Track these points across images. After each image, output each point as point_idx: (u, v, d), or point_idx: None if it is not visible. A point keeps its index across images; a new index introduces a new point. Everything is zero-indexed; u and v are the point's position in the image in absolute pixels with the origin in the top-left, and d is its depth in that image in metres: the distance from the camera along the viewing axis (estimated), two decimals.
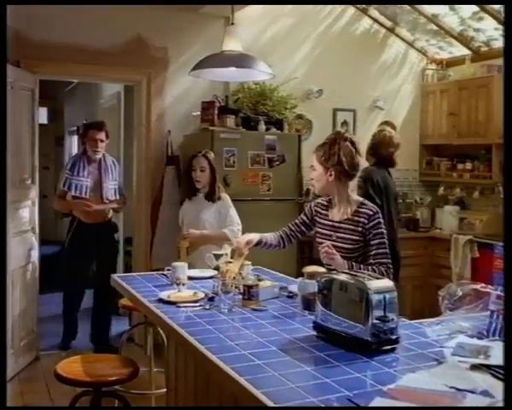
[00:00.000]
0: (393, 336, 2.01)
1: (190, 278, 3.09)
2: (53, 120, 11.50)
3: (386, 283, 2.07)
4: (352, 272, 2.18)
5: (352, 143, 2.89)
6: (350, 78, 5.96)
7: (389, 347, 2.00)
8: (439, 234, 5.97)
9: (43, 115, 11.53)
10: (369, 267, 2.74)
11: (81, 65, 5.02)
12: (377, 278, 2.10)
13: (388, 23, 6.14)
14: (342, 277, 2.11)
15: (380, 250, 2.80)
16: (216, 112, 5.06)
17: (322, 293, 2.15)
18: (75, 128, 9.31)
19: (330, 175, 2.86)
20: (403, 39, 6.25)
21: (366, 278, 2.05)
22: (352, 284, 2.04)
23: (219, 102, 5.19)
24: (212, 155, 4.29)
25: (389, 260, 2.81)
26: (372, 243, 2.81)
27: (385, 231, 2.86)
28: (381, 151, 4.46)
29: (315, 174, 2.95)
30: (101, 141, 4.97)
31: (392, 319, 2.01)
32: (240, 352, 1.96)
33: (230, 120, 5.01)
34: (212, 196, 4.19)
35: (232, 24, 3.18)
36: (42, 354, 4.93)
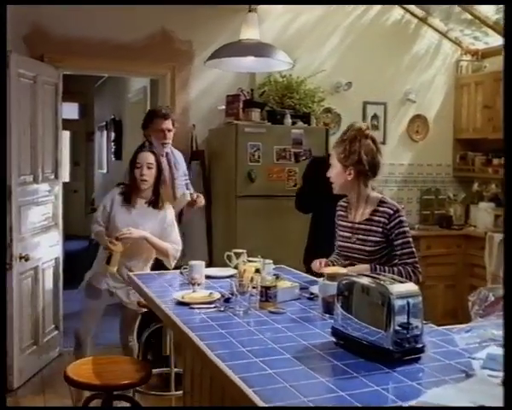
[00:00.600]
0: (418, 345, 1.86)
1: (208, 277, 2.99)
2: (84, 115, 11.56)
3: (410, 287, 1.91)
4: (374, 275, 2.03)
5: (374, 141, 2.74)
6: (380, 70, 5.77)
7: (413, 356, 1.84)
8: (474, 232, 5.74)
9: (74, 111, 11.61)
10: (395, 269, 2.60)
11: (105, 59, 4.96)
12: (401, 282, 1.95)
13: (421, 13, 5.91)
14: (363, 280, 1.96)
15: (405, 250, 2.65)
16: (241, 106, 4.94)
17: (341, 297, 2.01)
18: (104, 123, 9.31)
19: (349, 174, 2.70)
20: (436, 29, 6.02)
21: (388, 282, 1.90)
22: (374, 288, 1.89)
23: (244, 95, 5.07)
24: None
25: (415, 260, 2.66)
26: (396, 243, 2.65)
27: (408, 229, 2.70)
28: None
29: (333, 172, 2.78)
30: (169, 130, 4.23)
31: (417, 326, 1.86)
32: (251, 359, 1.84)
33: (256, 114, 4.89)
34: (157, 203, 3.58)
35: (250, 11, 3.04)
36: (65, 350, 4.89)
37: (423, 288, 5.66)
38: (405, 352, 1.83)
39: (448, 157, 6.23)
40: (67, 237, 6.63)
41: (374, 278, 1.97)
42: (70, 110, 11.48)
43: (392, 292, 1.82)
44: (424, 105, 6.06)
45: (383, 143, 5.87)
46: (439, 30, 6.03)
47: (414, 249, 2.68)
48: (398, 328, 1.82)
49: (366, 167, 2.68)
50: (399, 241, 2.65)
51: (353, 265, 2.75)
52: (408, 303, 1.83)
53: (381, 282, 1.89)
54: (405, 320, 1.83)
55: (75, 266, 6.08)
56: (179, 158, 4.42)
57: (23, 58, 4.25)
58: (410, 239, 2.68)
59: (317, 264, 2.88)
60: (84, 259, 7.51)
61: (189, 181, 4.52)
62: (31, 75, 4.32)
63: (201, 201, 4.34)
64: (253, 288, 2.56)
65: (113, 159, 8.45)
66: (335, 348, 1.97)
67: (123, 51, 4.97)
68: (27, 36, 4.72)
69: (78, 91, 10.57)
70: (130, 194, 3.56)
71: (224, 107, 5.08)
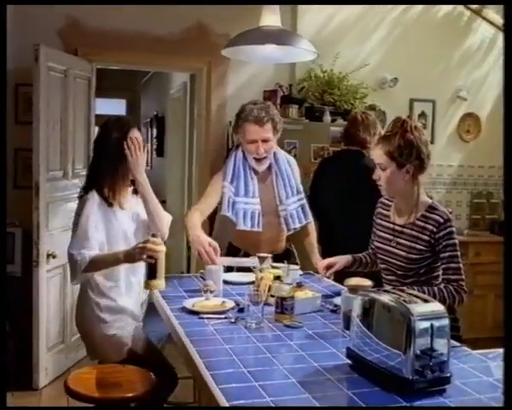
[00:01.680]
0: (443, 374, 1.61)
1: (227, 283, 2.79)
2: (131, 111, 11.57)
3: (436, 307, 1.66)
4: (397, 291, 1.77)
5: (420, 130, 2.44)
6: (429, 65, 5.43)
7: (436, 388, 1.60)
8: None
9: (122, 107, 11.66)
10: (435, 288, 2.31)
11: (140, 53, 4.84)
12: (425, 301, 1.70)
13: (474, 5, 5.54)
14: (384, 297, 1.72)
15: (451, 265, 2.34)
16: (278, 101, 4.74)
17: (359, 314, 1.77)
18: (148, 120, 9.26)
19: (407, 172, 2.36)
20: (491, 22, 5.63)
21: (410, 300, 1.65)
22: (394, 307, 1.65)
23: (283, 91, 4.86)
24: None
25: (461, 277, 2.34)
26: (442, 255, 2.35)
27: (457, 242, 2.40)
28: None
29: (385, 174, 2.38)
30: (265, 141, 2.99)
31: (442, 353, 1.61)
32: (250, 383, 1.63)
33: (293, 110, 4.68)
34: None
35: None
36: None
37: (472, 297, 5.29)
38: (427, 382, 1.58)
39: (502, 159, 5.83)
40: None
41: (396, 294, 1.72)
42: (118, 107, 11.54)
43: (413, 313, 1.58)
44: (476, 103, 5.69)
45: (431, 142, 5.55)
46: (494, 23, 5.63)
47: (461, 265, 2.37)
48: (419, 354, 1.57)
49: (426, 161, 2.38)
50: (446, 254, 2.34)
51: (389, 270, 2.50)
52: (432, 326, 1.59)
53: (402, 300, 1.65)
54: (428, 345, 1.58)
55: None
56: (286, 169, 3.14)
57: (53, 51, 4.16)
58: (459, 253, 2.37)
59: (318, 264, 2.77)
60: None
61: (303, 202, 3.22)
62: (61, 69, 4.22)
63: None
64: (272, 297, 2.36)
65: (155, 155, 8.38)
66: (349, 373, 1.74)
67: (158, 45, 4.84)
68: (62, 29, 4.65)
69: (125, 88, 10.59)
70: (115, 191, 2.56)
71: None
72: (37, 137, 3.94)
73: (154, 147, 8.39)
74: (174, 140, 7.09)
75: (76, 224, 2.54)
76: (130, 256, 2.41)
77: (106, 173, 2.56)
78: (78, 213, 2.55)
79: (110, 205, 2.54)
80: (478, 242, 5.35)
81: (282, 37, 2.71)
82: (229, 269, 2.93)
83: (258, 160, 3.03)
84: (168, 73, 7.43)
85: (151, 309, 4.74)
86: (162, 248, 2.37)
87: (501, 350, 1.90)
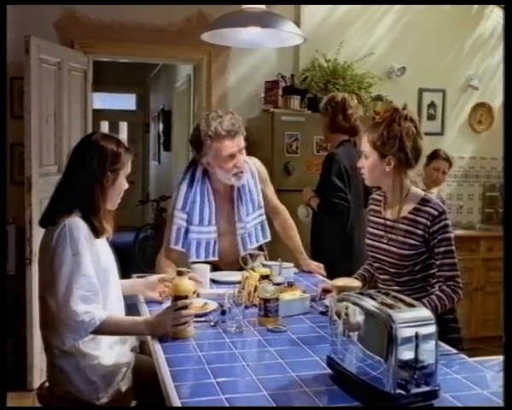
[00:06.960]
0: (429, 388, 1.45)
1: (214, 282, 2.65)
2: (140, 106, 11.47)
3: (421, 312, 1.49)
4: (381, 295, 1.60)
5: (414, 122, 2.29)
6: (439, 53, 5.24)
7: (422, 404, 1.44)
8: None
9: (131, 102, 11.59)
10: (435, 297, 2.15)
11: (139, 44, 4.72)
12: (411, 305, 1.54)
13: (475, 4, 5.32)
14: (365, 301, 1.55)
15: (446, 260, 2.19)
16: (280, 92, 4.57)
17: (341, 319, 1.62)
18: (156, 114, 9.16)
19: (388, 164, 2.24)
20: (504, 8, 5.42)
21: (392, 305, 1.49)
22: (376, 314, 1.49)
23: (285, 81, 4.70)
24: None
25: (457, 273, 2.20)
26: (437, 250, 2.20)
27: (453, 236, 2.25)
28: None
29: (367, 163, 2.30)
30: (241, 151, 2.70)
31: (428, 364, 1.44)
32: (217, 396, 1.48)
33: (295, 102, 4.50)
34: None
35: None
36: None
37: (484, 294, 5.07)
38: (411, 397, 1.42)
39: None
40: (118, 228, 6.43)
41: (380, 298, 1.56)
42: (127, 101, 11.49)
43: (395, 319, 1.42)
44: (488, 92, 5.46)
45: (441, 133, 5.37)
46: None
47: (456, 260, 2.23)
48: (402, 365, 1.41)
49: (409, 155, 2.24)
50: (441, 249, 2.19)
51: (383, 269, 2.34)
52: (417, 334, 1.43)
53: (384, 305, 1.49)
54: (412, 356, 1.42)
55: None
56: (247, 181, 2.83)
57: (46, 43, 4.03)
58: (454, 248, 2.23)
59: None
60: (127, 252, 7.38)
61: (263, 219, 2.94)
62: (55, 61, 4.10)
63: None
64: (262, 299, 2.20)
65: (162, 150, 8.28)
66: (330, 385, 1.58)
67: (158, 36, 4.72)
68: (58, 21, 4.54)
69: (135, 82, 10.49)
70: (100, 219, 2.07)
71: (263, 94, 4.73)
72: (28, 131, 3.82)
73: (161, 141, 8.29)
74: (180, 134, 6.97)
75: (76, 265, 1.93)
76: (158, 328, 1.93)
77: (95, 194, 2.07)
78: (74, 249, 1.94)
79: (97, 236, 2.06)
80: (490, 236, 5.14)
81: (265, 19, 2.53)
82: (215, 268, 2.79)
83: (238, 174, 2.69)
84: (174, 65, 7.31)
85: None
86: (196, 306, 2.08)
87: (501, 358, 1.74)
